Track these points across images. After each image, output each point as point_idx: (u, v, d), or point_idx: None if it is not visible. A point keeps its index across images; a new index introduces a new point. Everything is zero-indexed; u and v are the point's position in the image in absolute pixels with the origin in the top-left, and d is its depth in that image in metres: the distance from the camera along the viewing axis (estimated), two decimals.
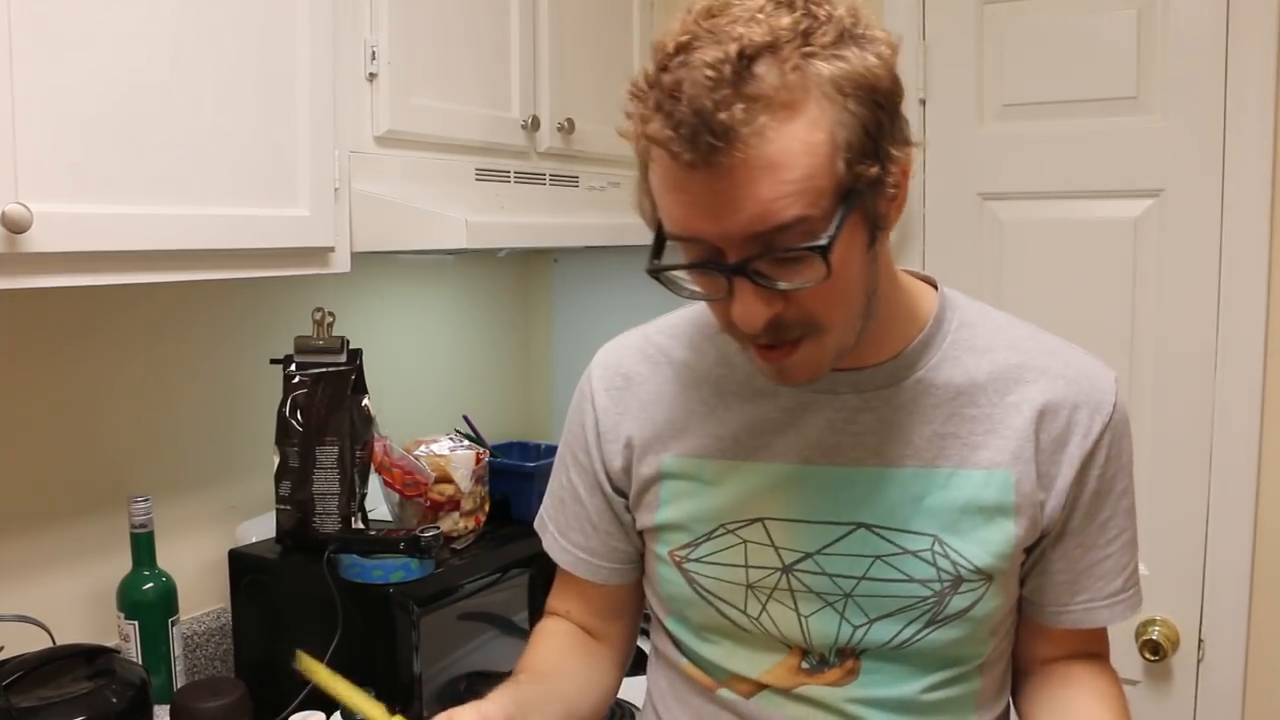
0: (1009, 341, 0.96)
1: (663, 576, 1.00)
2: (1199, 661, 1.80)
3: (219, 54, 1.24)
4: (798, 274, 0.78)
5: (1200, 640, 1.80)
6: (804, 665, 0.95)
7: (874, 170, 0.77)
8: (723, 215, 0.76)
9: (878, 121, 0.77)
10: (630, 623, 1.11)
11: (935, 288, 0.97)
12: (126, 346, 1.54)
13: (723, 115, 0.72)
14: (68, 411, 1.47)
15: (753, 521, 0.94)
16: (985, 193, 1.92)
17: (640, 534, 1.03)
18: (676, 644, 1.03)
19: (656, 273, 0.83)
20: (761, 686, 0.96)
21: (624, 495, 1.02)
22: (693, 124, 0.73)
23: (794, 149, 0.74)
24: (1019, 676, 1.04)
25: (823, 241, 0.76)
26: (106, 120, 1.13)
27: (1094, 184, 1.82)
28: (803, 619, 0.93)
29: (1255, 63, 1.67)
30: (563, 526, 1.07)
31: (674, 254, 0.83)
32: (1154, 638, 1.80)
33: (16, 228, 1.03)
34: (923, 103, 1.94)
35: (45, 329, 1.45)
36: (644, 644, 1.12)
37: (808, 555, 0.93)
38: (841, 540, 0.92)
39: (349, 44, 1.45)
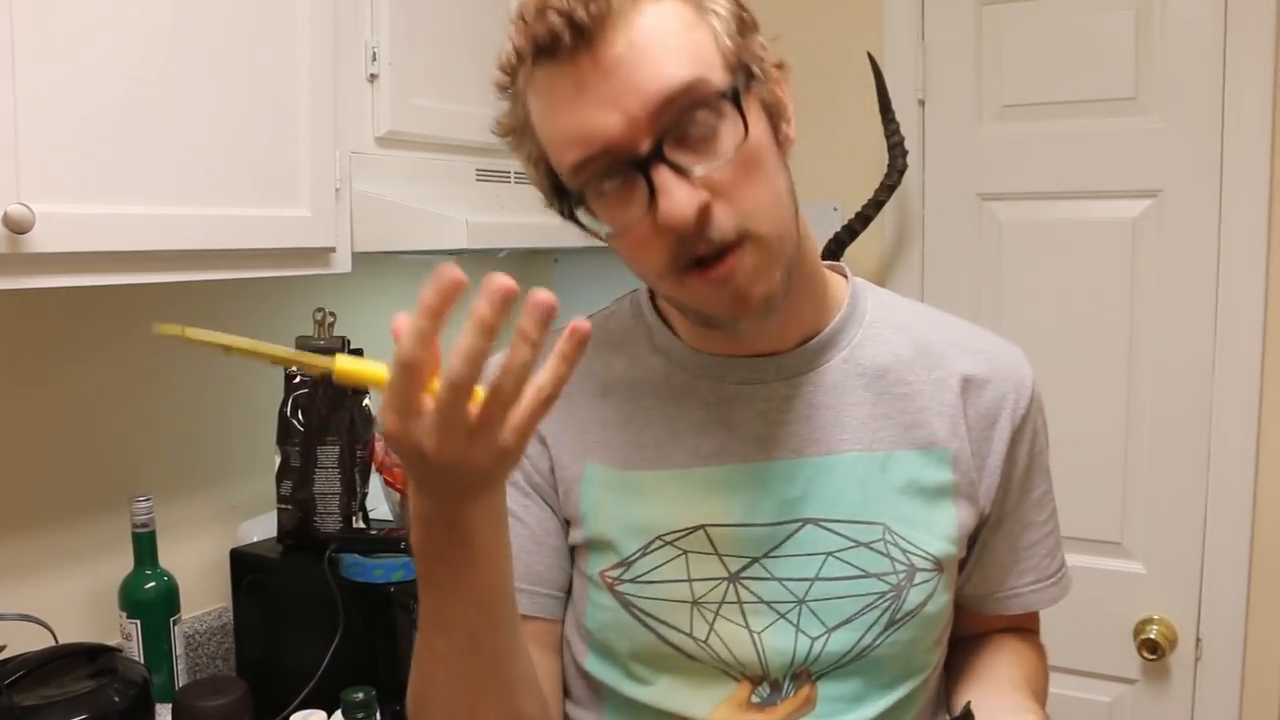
0: (925, 321, 0.94)
1: (593, 601, 0.89)
2: (1197, 660, 1.80)
3: (220, 55, 1.24)
4: (714, 152, 0.76)
5: (1198, 639, 1.80)
6: (754, 699, 0.87)
7: (753, 48, 0.79)
8: (620, 96, 0.74)
9: (745, 21, 0.79)
10: (561, 664, 0.95)
11: (845, 277, 0.96)
12: (127, 346, 1.54)
13: None
14: (69, 411, 1.48)
15: (693, 530, 0.86)
16: (984, 193, 1.92)
17: (571, 550, 0.93)
18: (597, 692, 0.92)
19: (570, 209, 0.80)
20: None
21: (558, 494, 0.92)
22: (565, 7, 0.73)
23: (671, 25, 0.75)
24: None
25: (732, 86, 0.75)
26: (108, 121, 1.13)
27: (1093, 184, 1.83)
28: (755, 636, 0.86)
29: (1253, 63, 1.67)
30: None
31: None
32: (1152, 636, 1.81)
33: (18, 228, 1.03)
34: (921, 103, 1.95)
35: (47, 329, 1.45)
36: None
37: (754, 560, 0.86)
38: (789, 540, 0.86)
39: (350, 45, 1.45)
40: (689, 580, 0.86)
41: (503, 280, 0.59)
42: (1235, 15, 1.68)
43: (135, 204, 1.16)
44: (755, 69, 0.79)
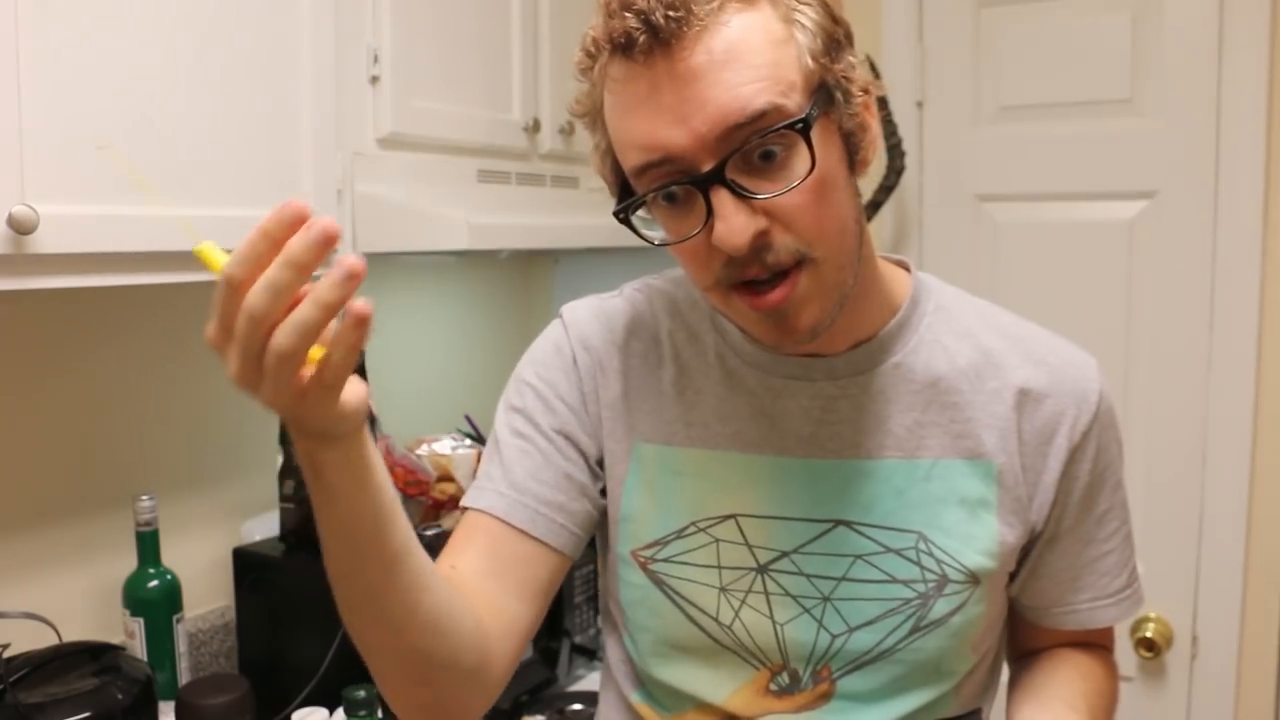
0: (988, 326, 0.91)
1: (624, 580, 0.91)
2: (1193, 658, 1.81)
3: (223, 56, 1.25)
4: (779, 178, 0.74)
5: (1194, 637, 1.81)
6: (772, 686, 0.88)
7: (840, 68, 0.77)
8: (690, 113, 0.72)
9: (834, 38, 0.77)
10: (539, 612, 0.88)
11: (908, 270, 0.93)
12: (132, 346, 1.55)
13: None
14: (73, 411, 1.48)
15: (725, 519, 0.87)
16: (982, 194, 1.93)
17: (600, 520, 0.93)
18: (631, 667, 0.94)
19: (625, 213, 0.79)
20: (723, 718, 0.89)
21: (600, 465, 0.92)
22: (646, 6, 0.71)
23: (755, 37, 0.73)
24: (1012, 666, 1.01)
25: (801, 116, 0.73)
26: (111, 122, 1.14)
27: (1089, 186, 1.84)
28: (778, 627, 0.87)
29: (1248, 65, 1.68)
30: (510, 478, 0.89)
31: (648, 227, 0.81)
32: (1148, 634, 1.82)
33: (23, 229, 1.04)
34: (919, 105, 1.96)
35: (51, 329, 1.46)
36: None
37: (784, 554, 0.86)
38: (820, 539, 0.86)
39: (351, 47, 1.46)
40: (718, 568, 0.88)
41: (329, 224, 0.58)
42: (1230, 17, 1.69)
43: (138, 205, 1.17)
44: (837, 93, 0.77)
